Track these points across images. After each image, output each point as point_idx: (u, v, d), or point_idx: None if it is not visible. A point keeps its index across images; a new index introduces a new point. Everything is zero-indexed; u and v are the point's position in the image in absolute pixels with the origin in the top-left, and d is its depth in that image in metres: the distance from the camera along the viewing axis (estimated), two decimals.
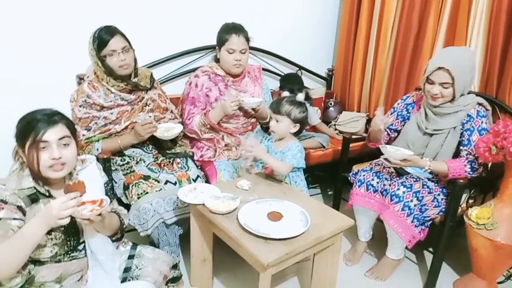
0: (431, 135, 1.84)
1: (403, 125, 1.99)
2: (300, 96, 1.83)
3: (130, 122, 1.85)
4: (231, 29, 2.04)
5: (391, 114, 2.05)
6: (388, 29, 2.63)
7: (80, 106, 1.78)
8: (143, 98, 1.90)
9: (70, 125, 1.29)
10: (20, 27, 1.89)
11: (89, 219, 1.18)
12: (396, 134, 2.03)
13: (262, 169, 1.91)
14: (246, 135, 2.17)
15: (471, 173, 1.72)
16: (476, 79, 2.24)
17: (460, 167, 1.72)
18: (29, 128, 1.19)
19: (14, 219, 1.17)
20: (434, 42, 2.38)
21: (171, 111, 2.04)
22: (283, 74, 2.74)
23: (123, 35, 1.78)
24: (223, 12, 2.42)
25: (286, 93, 1.92)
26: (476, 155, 1.71)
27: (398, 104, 2.05)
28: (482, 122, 1.74)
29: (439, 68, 1.69)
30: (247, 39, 2.07)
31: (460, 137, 1.79)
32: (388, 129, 2.03)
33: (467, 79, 1.73)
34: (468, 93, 1.80)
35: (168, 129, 1.87)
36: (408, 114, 1.99)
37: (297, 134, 1.87)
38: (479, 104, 1.79)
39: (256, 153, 1.73)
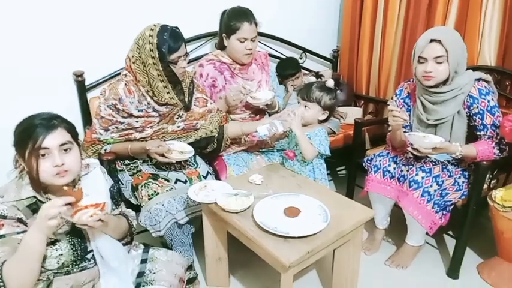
0: (435, 125, 1.74)
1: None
2: (330, 82, 1.75)
3: (153, 132, 1.73)
4: (242, 16, 1.90)
5: None
6: (396, 1, 2.47)
7: (108, 106, 1.64)
8: (177, 110, 1.75)
9: (71, 129, 1.22)
10: (16, 25, 1.79)
11: (88, 225, 1.13)
12: (410, 129, 1.89)
13: (281, 156, 1.83)
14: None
15: (500, 154, 1.63)
16: (493, 53, 2.13)
17: (488, 149, 1.63)
18: (27, 135, 1.13)
19: (18, 233, 1.13)
20: (446, 14, 2.24)
21: (210, 111, 1.87)
22: (284, 57, 2.64)
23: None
24: None
25: (312, 78, 1.83)
26: (499, 136, 1.62)
27: (396, 101, 1.90)
28: (488, 101, 1.64)
29: (431, 41, 1.60)
30: (256, 25, 1.95)
31: (471, 122, 1.69)
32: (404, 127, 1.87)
33: (460, 54, 1.62)
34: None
35: (183, 151, 1.72)
36: (409, 108, 1.87)
37: (324, 121, 1.81)
38: (478, 80, 1.67)
39: (294, 123, 1.65)
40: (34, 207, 1.18)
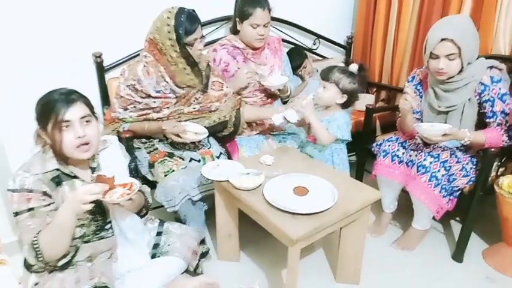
0: (446, 112, 1.76)
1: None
2: (353, 67, 1.75)
3: (170, 113, 1.79)
4: (255, 2, 1.94)
5: None
6: None
7: (127, 86, 1.71)
8: (193, 92, 1.81)
9: (88, 103, 1.29)
10: (37, 4, 1.82)
11: (120, 204, 1.21)
12: (420, 116, 1.91)
13: (304, 138, 1.87)
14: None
15: (508, 141, 1.65)
16: (508, 42, 2.12)
17: (497, 136, 1.65)
18: (49, 109, 1.20)
19: (44, 206, 1.22)
20: (462, 2, 2.22)
21: (225, 95, 1.91)
22: (299, 44, 2.65)
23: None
24: None
25: (340, 64, 1.84)
26: (509, 124, 1.63)
27: (408, 87, 1.90)
28: (500, 88, 1.64)
29: (442, 40, 1.59)
30: (270, 11, 1.98)
31: (481, 109, 1.70)
32: (415, 113, 1.90)
33: (473, 45, 1.62)
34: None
35: (197, 133, 1.78)
36: (421, 94, 1.88)
37: (344, 106, 1.80)
38: (490, 68, 1.68)
39: (307, 111, 1.67)
40: (57, 180, 1.25)
